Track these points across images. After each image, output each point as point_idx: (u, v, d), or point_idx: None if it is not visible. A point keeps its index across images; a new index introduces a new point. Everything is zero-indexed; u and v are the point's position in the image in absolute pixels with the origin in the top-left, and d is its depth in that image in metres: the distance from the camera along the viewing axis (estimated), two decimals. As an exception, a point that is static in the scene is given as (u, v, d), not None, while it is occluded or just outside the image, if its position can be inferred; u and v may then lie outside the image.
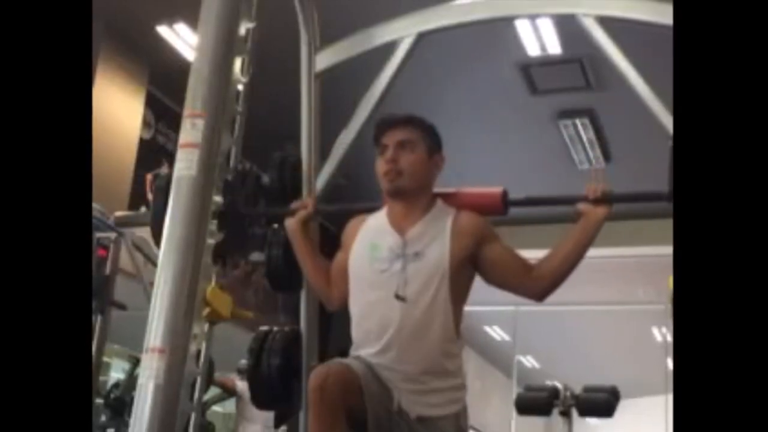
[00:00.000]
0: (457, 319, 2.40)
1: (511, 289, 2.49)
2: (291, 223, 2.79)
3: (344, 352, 2.48)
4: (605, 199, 2.48)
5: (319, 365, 2.29)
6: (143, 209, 7.11)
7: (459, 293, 2.42)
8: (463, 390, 2.43)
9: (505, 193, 2.65)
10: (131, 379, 5.76)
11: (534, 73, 7.19)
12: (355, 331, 2.46)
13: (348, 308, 2.54)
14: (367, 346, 2.39)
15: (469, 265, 2.45)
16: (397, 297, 2.35)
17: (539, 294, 2.46)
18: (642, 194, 2.83)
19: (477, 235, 2.45)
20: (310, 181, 3.36)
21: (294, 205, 2.89)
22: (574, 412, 4.10)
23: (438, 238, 2.42)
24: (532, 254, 2.52)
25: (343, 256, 2.60)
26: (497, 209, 2.65)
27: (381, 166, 2.50)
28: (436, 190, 2.59)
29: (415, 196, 2.50)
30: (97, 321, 4.87)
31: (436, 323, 2.36)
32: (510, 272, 2.46)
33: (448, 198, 2.58)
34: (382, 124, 2.56)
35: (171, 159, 3.10)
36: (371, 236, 2.51)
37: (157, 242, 2.78)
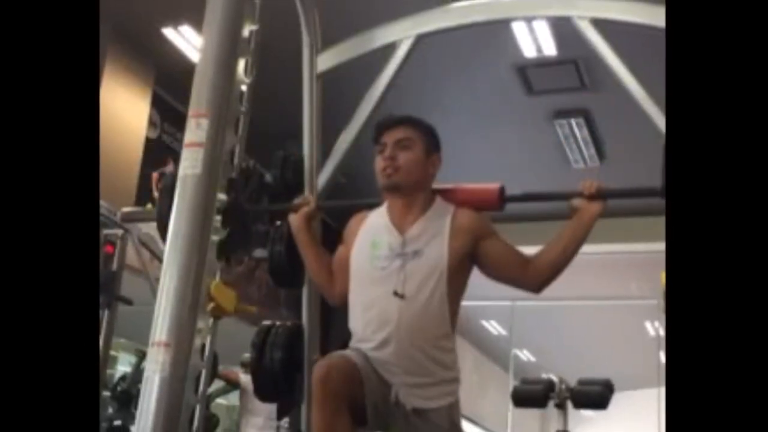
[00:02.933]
0: (453, 315, 2.42)
1: (510, 282, 2.50)
2: (294, 219, 2.80)
3: (346, 344, 2.49)
4: (600, 194, 2.49)
5: (322, 358, 2.30)
6: (148, 207, 7.12)
7: (456, 290, 2.43)
8: (456, 383, 2.44)
9: (502, 189, 2.65)
10: (137, 372, 5.76)
11: (530, 74, 7.19)
12: (355, 326, 2.47)
13: (347, 304, 2.55)
14: (366, 340, 2.40)
15: (468, 262, 2.46)
16: (396, 294, 2.36)
17: (536, 287, 2.48)
18: (635, 190, 2.83)
19: (475, 232, 2.46)
20: (311, 179, 3.35)
21: (296, 201, 2.89)
22: (569, 405, 4.11)
23: (437, 237, 2.43)
24: (529, 251, 2.53)
25: (345, 252, 2.61)
26: (494, 205, 2.66)
27: (379, 163, 2.52)
28: (435, 186, 2.60)
29: (412, 193, 2.51)
30: (105, 315, 4.87)
31: (433, 320, 2.38)
32: (508, 267, 2.47)
33: (447, 194, 2.59)
34: (381, 124, 2.58)
35: (176, 158, 3.10)
36: (372, 234, 2.52)
37: (164, 238, 2.78)
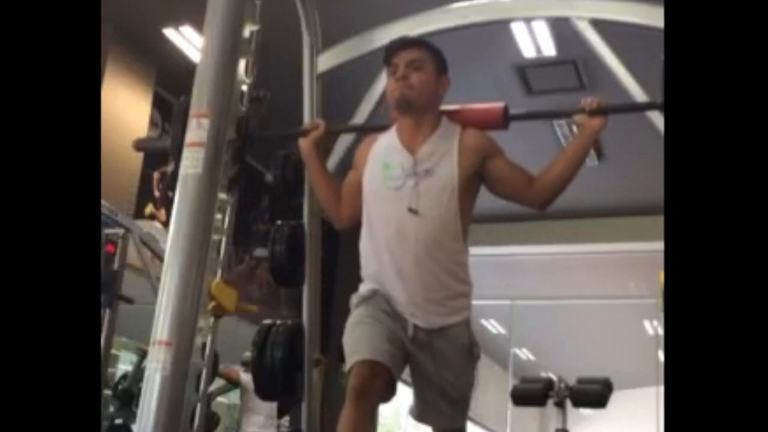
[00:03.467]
0: (465, 229, 2.49)
1: (515, 199, 2.59)
2: (304, 143, 2.81)
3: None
4: (600, 110, 2.56)
5: (359, 362, 2.30)
6: (149, 207, 7.12)
7: (466, 207, 2.50)
8: (470, 297, 2.54)
9: (506, 108, 2.74)
10: (139, 371, 5.75)
11: (529, 74, 7.19)
12: (372, 244, 2.50)
13: (354, 228, 2.61)
14: (386, 255, 2.44)
15: (476, 179, 2.53)
16: (410, 210, 2.42)
17: (541, 203, 2.55)
18: (635, 105, 3.01)
19: (483, 151, 2.54)
20: (312, 179, 3.35)
21: (306, 125, 2.93)
22: (568, 403, 4.10)
23: (447, 156, 2.49)
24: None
25: (355, 176, 2.64)
26: (499, 123, 2.74)
27: (391, 83, 2.55)
28: (441, 107, 2.63)
29: (423, 112, 2.55)
30: (106, 314, 4.86)
31: (447, 233, 2.45)
32: (514, 184, 2.55)
33: (453, 115, 2.63)
34: (393, 46, 2.61)
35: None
36: (383, 156, 2.56)
37: (177, 161, 2.85)
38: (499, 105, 2.75)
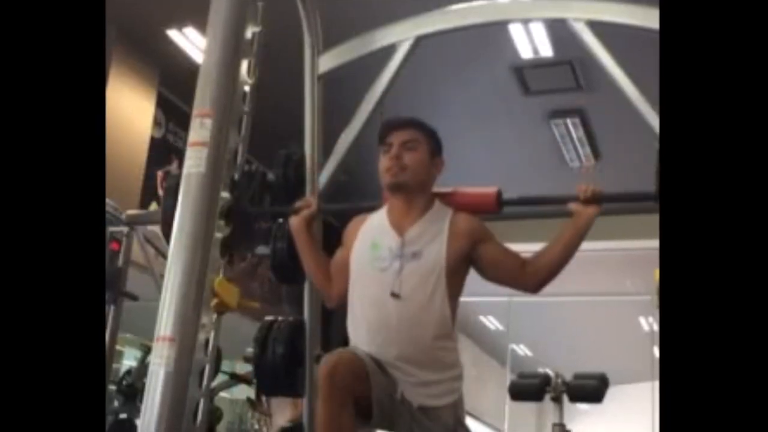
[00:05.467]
0: (453, 314, 2.41)
1: (507, 284, 2.52)
2: (295, 222, 2.80)
3: (347, 341, 2.49)
4: (595, 199, 2.51)
5: (328, 353, 2.28)
6: (153, 205, 7.12)
7: (454, 291, 2.43)
8: (460, 380, 2.44)
9: (499, 193, 2.68)
10: (143, 367, 5.75)
11: (527, 75, 7.18)
12: (354, 329, 2.46)
13: (345, 305, 2.54)
14: (369, 343, 2.38)
15: (465, 264, 2.47)
16: (393, 294, 2.36)
17: (534, 288, 2.49)
18: (630, 194, 2.89)
19: (473, 236, 2.47)
20: (313, 177, 3.36)
21: (298, 204, 2.89)
22: (565, 398, 4.10)
23: (436, 239, 2.44)
24: (527, 248, 2.53)
25: (344, 254, 2.60)
26: (491, 208, 2.68)
27: (384, 162, 2.52)
28: (434, 190, 2.60)
29: (415, 194, 2.51)
30: (110, 311, 4.86)
31: (431, 320, 2.37)
32: (506, 270, 2.49)
33: (445, 197, 2.60)
34: (388, 125, 2.58)
35: (180, 157, 3.10)
36: (372, 235, 2.52)
37: (167, 238, 2.78)
38: (492, 190, 2.70)
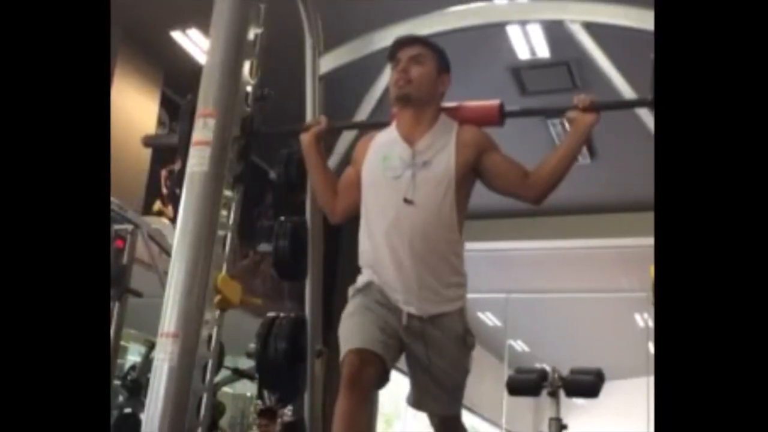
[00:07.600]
0: (461, 221, 2.48)
1: (510, 193, 2.57)
2: (305, 138, 2.80)
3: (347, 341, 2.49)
4: (593, 107, 2.59)
5: (351, 351, 2.30)
6: (157, 204, 7.12)
7: (462, 198, 2.50)
8: (465, 287, 2.52)
9: (501, 105, 2.77)
10: (147, 362, 5.75)
11: (524, 76, 7.18)
12: (368, 236, 2.49)
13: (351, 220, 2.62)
14: (380, 259, 2.43)
15: (472, 173, 2.53)
16: (406, 201, 2.41)
17: (536, 197, 2.54)
18: (627, 102, 3.08)
19: (479, 146, 2.53)
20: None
21: (308, 121, 2.93)
22: (562, 393, 4.09)
23: (444, 149, 2.49)
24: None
25: (353, 171, 2.64)
26: (495, 120, 2.75)
27: (393, 76, 2.57)
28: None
29: (421, 106, 2.55)
30: (115, 307, 4.86)
31: (442, 224, 2.43)
32: (509, 179, 2.54)
33: (451, 112, 2.64)
34: (397, 42, 2.62)
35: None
36: (383, 149, 2.56)
37: (183, 164, 2.84)
38: (495, 102, 2.76)
